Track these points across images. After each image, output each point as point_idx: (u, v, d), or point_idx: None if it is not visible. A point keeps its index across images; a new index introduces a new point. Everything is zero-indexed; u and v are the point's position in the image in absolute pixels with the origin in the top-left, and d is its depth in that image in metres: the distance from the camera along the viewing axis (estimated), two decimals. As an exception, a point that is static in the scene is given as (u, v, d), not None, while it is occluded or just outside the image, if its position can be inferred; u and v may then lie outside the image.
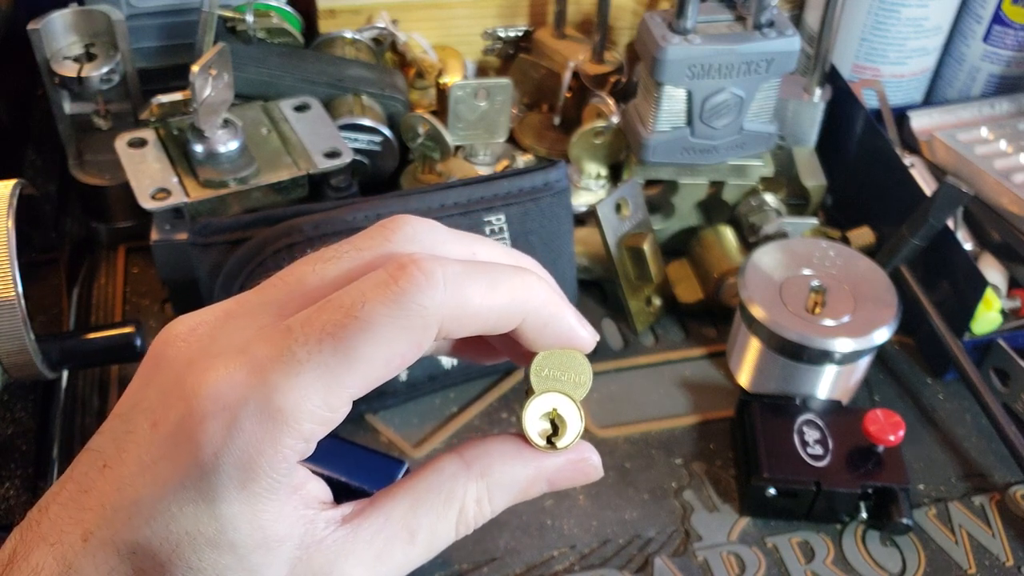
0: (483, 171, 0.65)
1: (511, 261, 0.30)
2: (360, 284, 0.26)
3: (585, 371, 0.29)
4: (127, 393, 0.27)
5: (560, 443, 0.29)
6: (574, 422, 0.29)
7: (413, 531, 0.28)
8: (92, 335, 0.50)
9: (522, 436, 0.29)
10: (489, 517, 0.29)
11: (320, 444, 0.53)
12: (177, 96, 0.57)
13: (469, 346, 0.33)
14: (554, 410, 0.29)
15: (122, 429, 0.26)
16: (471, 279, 0.26)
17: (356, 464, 0.49)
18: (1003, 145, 0.65)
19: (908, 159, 0.66)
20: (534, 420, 0.29)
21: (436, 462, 0.29)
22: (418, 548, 0.28)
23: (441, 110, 0.66)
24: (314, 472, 0.48)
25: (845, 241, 0.61)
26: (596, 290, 0.64)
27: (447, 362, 0.56)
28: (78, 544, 0.25)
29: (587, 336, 0.29)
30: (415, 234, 0.28)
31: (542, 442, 0.29)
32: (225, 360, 0.25)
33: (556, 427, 0.29)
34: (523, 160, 0.67)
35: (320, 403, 0.25)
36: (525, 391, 0.29)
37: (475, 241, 0.29)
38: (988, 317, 0.57)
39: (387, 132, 0.63)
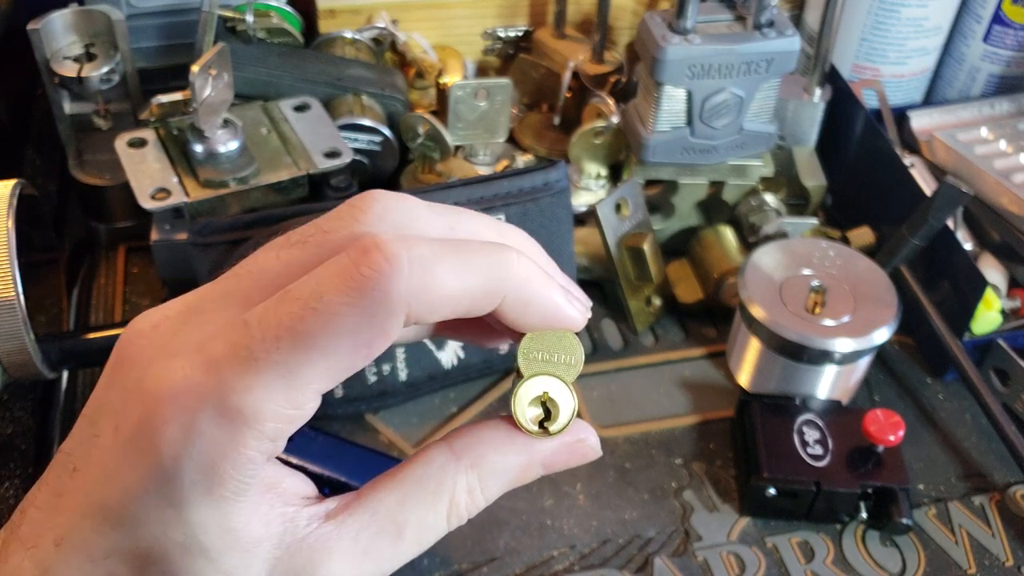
0: (483, 171, 0.64)
1: (495, 233, 0.28)
2: (319, 272, 0.24)
3: (576, 351, 0.28)
4: (94, 394, 0.26)
5: (553, 428, 0.28)
6: (567, 405, 0.27)
7: (401, 526, 0.27)
8: (92, 335, 0.50)
9: (514, 421, 0.28)
10: (483, 506, 0.28)
11: (319, 444, 0.53)
12: (177, 96, 0.57)
13: (462, 328, 0.31)
14: (545, 393, 0.27)
15: (89, 432, 0.26)
16: (441, 261, 0.25)
17: (356, 464, 0.49)
18: (1003, 145, 0.65)
19: (908, 159, 0.66)
20: (525, 405, 0.27)
21: (424, 453, 0.28)
22: (407, 543, 0.27)
23: (441, 110, 0.66)
24: (313, 472, 0.48)
25: (845, 241, 0.61)
26: (596, 290, 0.64)
27: (447, 362, 0.56)
28: (52, 549, 0.25)
29: (575, 314, 0.28)
30: (385, 212, 0.26)
31: (535, 428, 0.28)
32: (183, 360, 0.24)
33: (549, 411, 0.28)
34: (523, 160, 0.67)
35: (282, 401, 0.24)
36: (515, 375, 0.28)
37: (455, 214, 0.28)
38: (988, 317, 0.57)
39: (387, 132, 0.63)
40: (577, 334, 0.28)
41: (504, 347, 0.55)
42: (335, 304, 0.24)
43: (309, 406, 0.25)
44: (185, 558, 0.24)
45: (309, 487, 0.27)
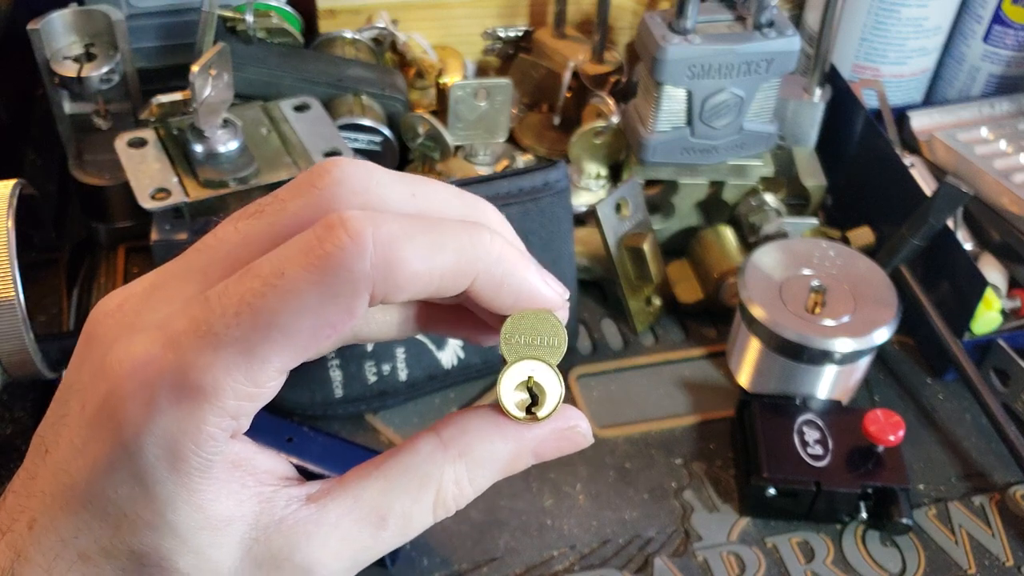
0: (483, 171, 0.65)
1: (459, 202, 0.27)
2: (283, 250, 0.24)
3: (559, 333, 0.27)
4: (65, 375, 0.26)
5: (541, 413, 0.27)
6: (553, 389, 0.27)
7: (384, 515, 0.26)
8: (92, 335, 0.50)
9: (501, 409, 0.27)
10: (472, 497, 0.27)
11: (319, 444, 0.53)
12: (177, 96, 0.57)
13: (447, 322, 0.31)
14: (530, 378, 0.27)
15: (59, 413, 0.26)
16: (409, 238, 0.24)
17: (356, 464, 0.49)
18: (1003, 145, 0.65)
19: (908, 159, 0.66)
20: (510, 391, 0.27)
21: (412, 442, 0.27)
22: (389, 532, 0.26)
23: (441, 110, 0.66)
24: (313, 472, 0.48)
25: (845, 241, 0.61)
26: (596, 290, 0.64)
27: (447, 362, 0.56)
28: (25, 532, 0.25)
29: (551, 294, 0.27)
30: (344, 178, 0.25)
31: (521, 413, 0.27)
32: (144, 336, 0.24)
33: (535, 396, 0.27)
34: (523, 160, 0.67)
35: (242, 379, 0.24)
36: (500, 361, 0.27)
37: (417, 182, 0.27)
38: (988, 317, 0.57)
39: (387, 132, 0.63)
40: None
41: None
42: (296, 281, 0.23)
43: (271, 384, 0.24)
44: (154, 537, 0.24)
45: (285, 467, 0.27)
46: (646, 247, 0.58)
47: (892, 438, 0.49)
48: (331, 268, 0.23)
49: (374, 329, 0.30)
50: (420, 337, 0.54)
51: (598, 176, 0.64)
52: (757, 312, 0.53)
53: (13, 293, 0.44)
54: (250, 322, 0.23)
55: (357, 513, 0.26)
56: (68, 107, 0.62)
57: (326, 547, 0.26)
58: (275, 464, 0.27)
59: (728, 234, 0.63)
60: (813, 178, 0.64)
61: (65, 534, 0.25)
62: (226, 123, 0.56)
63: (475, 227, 0.26)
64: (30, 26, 0.57)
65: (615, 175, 0.65)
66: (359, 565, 0.27)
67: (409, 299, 0.25)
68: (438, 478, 0.27)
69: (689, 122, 0.58)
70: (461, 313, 0.30)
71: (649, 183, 0.63)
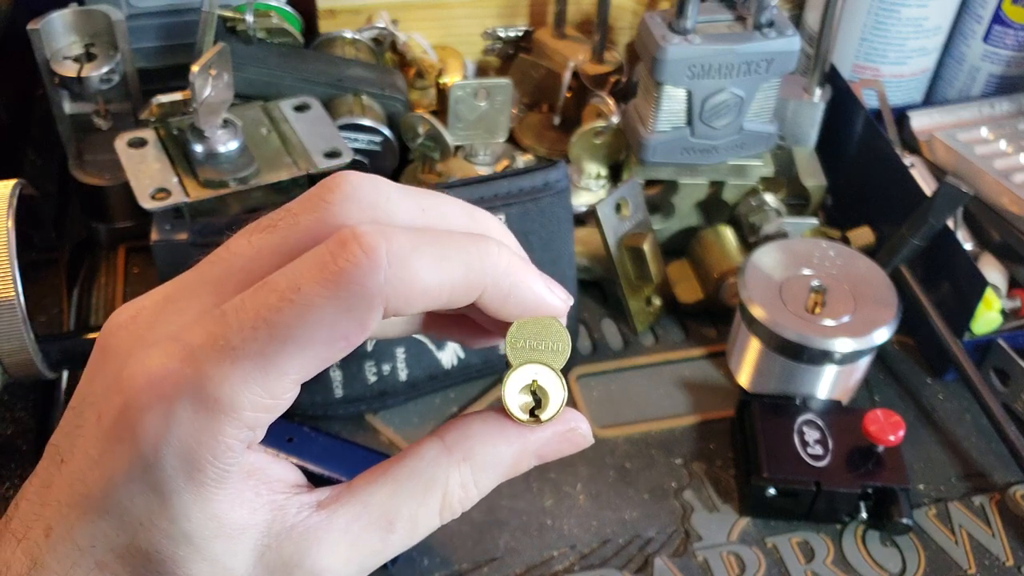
0: (483, 171, 0.65)
1: (467, 216, 0.28)
2: (298, 264, 0.24)
3: (563, 338, 0.28)
4: (79, 387, 0.27)
5: (544, 415, 0.28)
6: (556, 392, 0.28)
7: (392, 519, 0.27)
8: (92, 335, 0.50)
9: (505, 411, 0.28)
10: (477, 499, 0.28)
11: (319, 444, 0.53)
12: (177, 96, 0.57)
13: (450, 326, 0.31)
14: (534, 382, 0.28)
15: (74, 423, 0.26)
16: (419, 253, 0.25)
17: (356, 464, 0.49)
18: (1003, 145, 0.65)
19: (908, 159, 0.66)
20: (514, 394, 0.28)
21: (417, 447, 0.28)
22: (397, 536, 0.27)
23: (441, 110, 0.66)
24: (313, 472, 0.48)
25: (845, 241, 0.61)
26: (596, 290, 0.64)
27: (447, 362, 0.56)
28: (42, 540, 0.25)
29: (557, 302, 0.28)
30: (354, 192, 0.26)
31: (525, 416, 0.28)
32: (160, 349, 0.25)
33: (539, 399, 0.28)
34: (523, 160, 0.67)
35: (259, 391, 0.24)
36: (504, 365, 0.28)
37: (425, 196, 0.27)
38: (988, 317, 0.57)
39: (387, 132, 0.63)
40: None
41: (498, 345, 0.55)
42: (312, 296, 0.24)
43: (287, 395, 0.25)
44: (169, 545, 0.25)
45: (296, 475, 0.27)
46: (646, 247, 0.58)
47: (892, 438, 0.49)
48: (346, 283, 0.24)
49: (377, 328, 0.31)
50: (420, 337, 0.54)
51: (598, 176, 0.64)
52: (757, 312, 0.53)
53: (13, 293, 0.44)
54: (267, 336, 0.24)
55: (366, 518, 0.27)
56: (68, 107, 0.62)
57: (336, 552, 0.26)
58: (286, 472, 0.27)
59: (728, 234, 0.63)
60: (813, 178, 0.64)
61: (82, 543, 0.25)
62: (226, 123, 0.56)
63: (482, 240, 0.27)
64: (30, 26, 0.57)
65: (615, 175, 0.65)
66: (367, 569, 0.27)
67: (420, 311, 0.26)
68: (444, 482, 0.27)
69: (689, 122, 0.58)
70: (460, 318, 0.30)
71: (649, 183, 0.63)
